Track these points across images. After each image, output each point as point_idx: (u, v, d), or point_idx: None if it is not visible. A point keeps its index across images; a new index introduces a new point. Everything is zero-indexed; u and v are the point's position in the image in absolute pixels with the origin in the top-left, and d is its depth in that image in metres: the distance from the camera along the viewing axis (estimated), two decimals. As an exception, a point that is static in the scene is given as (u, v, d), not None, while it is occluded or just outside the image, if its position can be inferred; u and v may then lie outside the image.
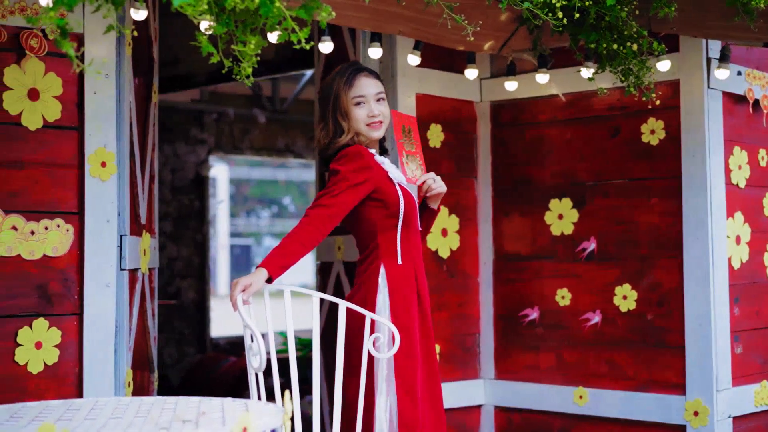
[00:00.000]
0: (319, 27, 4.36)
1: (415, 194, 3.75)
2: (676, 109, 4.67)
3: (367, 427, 3.53)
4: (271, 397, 3.96)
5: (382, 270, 3.57)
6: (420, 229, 3.74)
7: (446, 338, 5.11)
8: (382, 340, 3.46)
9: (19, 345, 3.55)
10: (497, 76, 5.24)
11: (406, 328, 3.56)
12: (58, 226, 3.65)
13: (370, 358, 3.48)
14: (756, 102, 4.82)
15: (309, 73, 8.90)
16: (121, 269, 3.79)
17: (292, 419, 3.39)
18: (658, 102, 4.46)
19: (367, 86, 3.64)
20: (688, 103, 4.62)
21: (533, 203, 5.18)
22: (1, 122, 3.56)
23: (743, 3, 3.73)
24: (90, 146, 3.71)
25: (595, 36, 4.00)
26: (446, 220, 5.13)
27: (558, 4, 3.66)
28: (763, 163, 4.90)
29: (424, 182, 3.70)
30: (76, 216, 3.70)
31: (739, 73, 4.73)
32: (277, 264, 3.36)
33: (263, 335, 3.32)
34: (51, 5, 2.45)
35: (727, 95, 4.70)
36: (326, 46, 4.47)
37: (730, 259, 4.67)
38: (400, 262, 3.60)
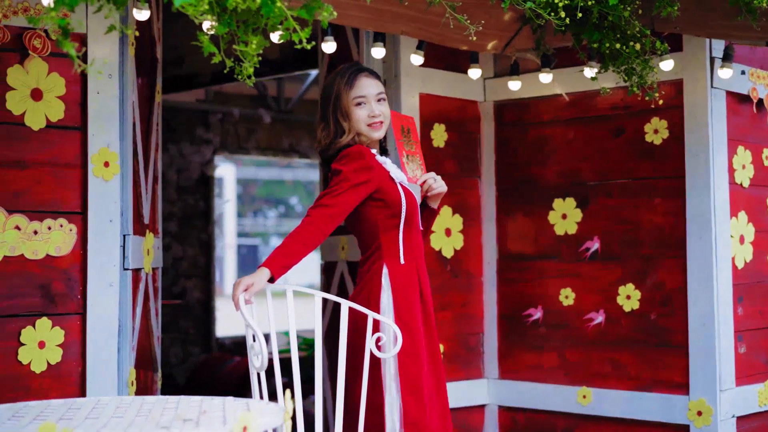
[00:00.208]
0: (323, 27, 4.38)
1: (416, 194, 3.75)
2: (680, 109, 4.67)
3: (372, 427, 3.53)
4: (276, 397, 3.96)
5: (385, 270, 3.58)
6: (420, 228, 3.74)
7: (450, 338, 5.11)
8: (385, 340, 3.46)
9: (23, 344, 3.56)
10: (501, 76, 5.24)
11: (410, 328, 3.56)
12: (61, 225, 3.66)
13: (378, 358, 3.49)
14: (760, 101, 4.81)
15: (314, 73, 8.91)
16: (124, 269, 3.80)
17: (294, 418, 3.39)
18: (661, 101, 4.45)
19: (368, 87, 3.65)
20: (692, 102, 4.62)
21: (537, 203, 5.18)
22: (5, 122, 3.57)
23: (746, 2, 3.73)
24: (93, 146, 3.71)
25: (598, 35, 4.00)
26: (450, 220, 5.13)
27: (560, 4, 3.66)
28: (767, 163, 4.89)
29: (424, 182, 3.70)
30: (79, 216, 3.70)
31: (743, 73, 4.73)
32: (279, 264, 3.37)
33: (266, 335, 3.33)
34: (52, 5, 2.46)
35: (730, 94, 4.70)
36: (329, 46, 4.47)
37: (733, 259, 4.67)
38: (402, 261, 3.60)
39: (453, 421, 4.14)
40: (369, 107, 3.64)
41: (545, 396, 5.08)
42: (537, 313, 5.16)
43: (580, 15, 3.75)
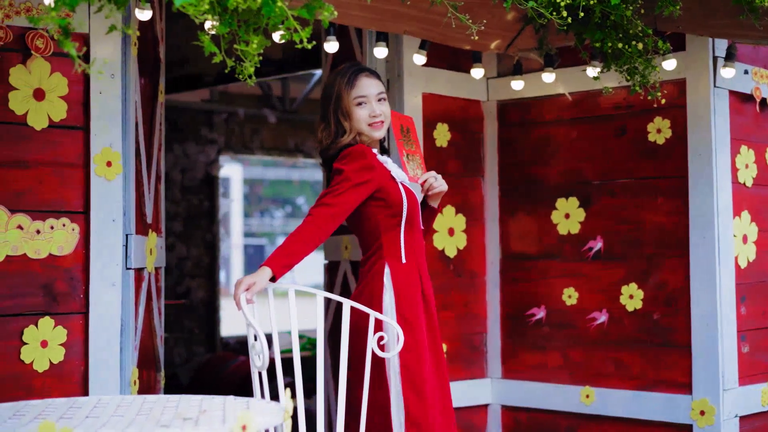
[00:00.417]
0: (329, 26, 4.38)
1: (417, 193, 3.76)
2: (683, 108, 4.66)
3: (379, 427, 3.54)
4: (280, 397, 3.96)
5: (387, 269, 3.58)
6: (421, 227, 3.75)
7: (453, 337, 5.12)
8: (387, 339, 3.46)
9: (25, 344, 3.56)
10: (504, 76, 5.24)
11: (413, 327, 3.56)
12: (64, 225, 3.67)
13: (382, 358, 3.49)
14: (763, 100, 4.81)
15: (318, 72, 8.91)
16: (127, 268, 3.80)
17: (295, 418, 3.40)
18: (663, 101, 4.45)
19: (369, 86, 3.65)
20: (695, 102, 4.61)
21: (540, 202, 5.18)
22: (7, 122, 3.57)
23: (748, 1, 3.72)
24: (95, 146, 3.72)
25: (600, 35, 4.00)
26: (453, 220, 5.13)
27: (562, 3, 3.66)
28: (770, 162, 4.89)
29: (425, 181, 3.71)
30: (82, 215, 3.71)
31: (746, 72, 4.72)
32: (281, 263, 3.37)
33: (268, 335, 3.33)
34: (52, 5, 2.47)
35: (733, 94, 4.69)
36: (331, 46, 4.47)
37: (736, 259, 4.67)
38: (404, 261, 3.61)
39: (456, 420, 4.15)
40: (370, 107, 3.64)
41: (548, 396, 5.08)
42: (540, 313, 5.16)
43: (582, 14, 3.75)
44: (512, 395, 5.21)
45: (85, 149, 3.72)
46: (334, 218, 3.49)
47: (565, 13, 3.66)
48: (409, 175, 3.66)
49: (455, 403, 4.83)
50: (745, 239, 4.72)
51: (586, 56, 4.28)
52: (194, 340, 9.95)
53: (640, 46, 4.02)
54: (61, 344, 3.63)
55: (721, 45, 4.58)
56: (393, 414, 3.53)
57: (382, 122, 3.66)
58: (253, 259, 21.79)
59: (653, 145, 4.78)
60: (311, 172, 19.36)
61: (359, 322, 3.51)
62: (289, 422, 2.53)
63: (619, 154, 4.90)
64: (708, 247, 4.56)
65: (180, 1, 2.55)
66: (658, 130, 4.76)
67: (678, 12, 3.82)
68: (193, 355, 9.85)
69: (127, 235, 3.80)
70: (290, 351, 3.52)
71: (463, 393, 5.09)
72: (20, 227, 3.57)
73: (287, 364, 3.62)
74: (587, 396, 4.93)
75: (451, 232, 5.12)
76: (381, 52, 4.63)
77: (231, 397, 2.79)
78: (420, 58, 4.68)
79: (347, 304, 3.45)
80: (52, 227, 3.64)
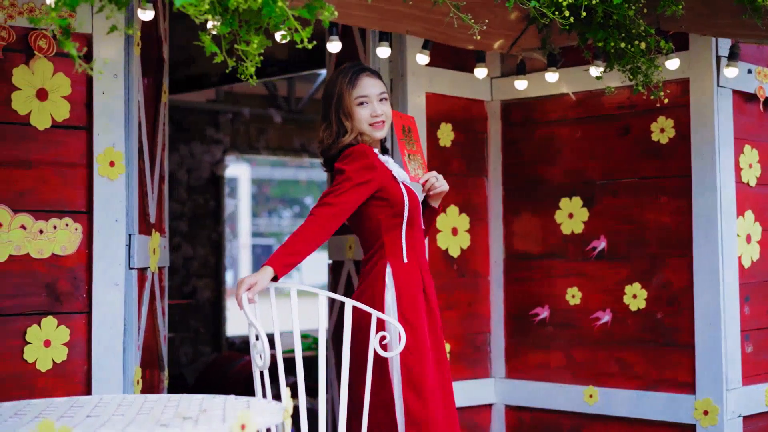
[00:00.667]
0: (331, 26, 4.38)
1: (418, 193, 3.76)
2: (686, 108, 4.66)
3: (384, 426, 3.54)
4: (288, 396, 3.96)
5: (389, 269, 3.59)
6: (422, 227, 3.75)
7: (457, 337, 5.12)
8: (389, 339, 3.46)
9: (28, 343, 3.58)
10: (507, 75, 5.24)
11: (414, 326, 3.57)
12: (67, 225, 3.68)
13: (384, 358, 3.49)
14: (767, 100, 4.80)
15: (323, 72, 8.92)
16: (130, 268, 3.81)
17: (298, 417, 3.41)
18: (666, 100, 4.45)
19: (370, 86, 3.66)
20: (698, 101, 4.61)
21: (544, 202, 5.18)
22: (10, 122, 3.59)
23: (750, 1, 3.72)
24: (98, 146, 3.73)
25: (603, 34, 4.00)
26: (457, 219, 5.13)
27: (565, 3, 3.66)
28: (774, 162, 4.89)
29: (426, 180, 3.71)
30: (85, 215, 3.72)
31: (750, 71, 4.72)
32: (283, 263, 3.38)
33: (270, 334, 3.34)
34: (53, 6, 2.48)
35: (737, 93, 4.69)
36: (334, 46, 4.48)
37: (740, 258, 4.66)
38: (405, 260, 3.61)
39: (460, 420, 4.15)
40: (371, 107, 3.65)
41: (552, 395, 5.08)
42: (544, 313, 5.16)
43: (584, 14, 3.75)
44: (516, 395, 5.20)
45: (88, 149, 3.73)
46: (336, 218, 3.49)
47: (567, 13, 3.66)
48: (411, 174, 3.67)
49: (459, 403, 4.84)
50: (748, 239, 4.71)
51: (589, 56, 4.28)
52: (200, 340, 9.96)
53: (643, 45, 4.01)
54: (64, 344, 3.65)
55: (725, 44, 4.57)
56: (397, 412, 3.54)
57: (384, 122, 3.67)
58: (261, 259, 21.77)
59: (657, 145, 4.78)
60: (319, 172, 19.34)
61: (361, 321, 3.51)
62: (289, 421, 2.53)
63: (623, 154, 4.90)
64: (711, 246, 4.56)
65: (180, 1, 2.56)
66: (662, 130, 4.76)
67: (680, 11, 3.82)
68: (199, 354, 9.87)
69: (130, 235, 3.81)
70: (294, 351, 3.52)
71: (467, 393, 5.09)
72: (23, 227, 3.58)
73: (292, 363, 3.63)
74: (591, 396, 4.93)
75: (454, 231, 5.13)
76: (384, 51, 4.63)
77: (232, 397, 2.80)
78: (423, 58, 4.68)
79: (349, 303, 3.46)
80: (55, 227, 3.65)
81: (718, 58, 4.57)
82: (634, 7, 3.87)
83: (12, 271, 3.56)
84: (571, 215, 5.07)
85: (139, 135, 3.96)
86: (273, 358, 3.36)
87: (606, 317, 4.93)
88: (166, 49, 4.53)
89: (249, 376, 8.23)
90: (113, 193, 3.75)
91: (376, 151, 3.67)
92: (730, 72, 4.53)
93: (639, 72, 4.13)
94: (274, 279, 3.37)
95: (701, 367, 4.57)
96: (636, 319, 4.83)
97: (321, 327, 3.50)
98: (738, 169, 4.68)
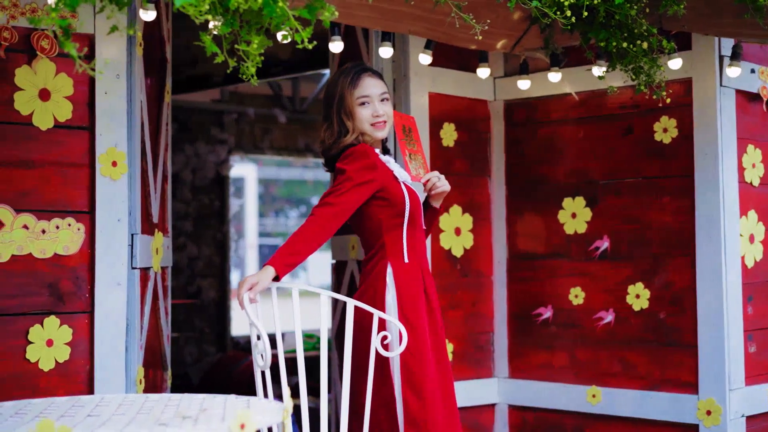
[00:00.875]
0: (333, 26, 4.39)
1: (419, 193, 3.76)
2: (689, 108, 4.65)
3: (386, 423, 3.55)
4: (293, 396, 3.96)
5: (389, 269, 3.59)
6: (424, 227, 3.75)
7: (460, 337, 5.12)
8: (391, 338, 3.47)
9: (31, 343, 3.59)
10: (510, 75, 5.24)
11: (414, 326, 3.57)
12: (69, 225, 3.69)
13: (385, 357, 3.50)
14: (770, 100, 4.80)
15: (328, 72, 8.92)
16: (132, 267, 3.82)
17: (299, 416, 3.41)
18: (668, 100, 4.44)
19: (372, 86, 3.66)
20: (701, 101, 4.60)
21: (547, 202, 5.17)
22: (13, 122, 3.60)
23: (752, 0, 3.72)
24: (101, 146, 3.74)
25: (605, 34, 3.99)
26: (460, 219, 5.13)
27: (566, 3, 3.66)
28: (777, 161, 4.88)
29: (428, 180, 3.71)
30: (87, 215, 3.73)
31: (753, 71, 4.71)
32: (284, 262, 3.39)
33: (273, 334, 3.34)
34: (53, 6, 2.48)
35: (740, 93, 4.68)
36: (336, 46, 4.48)
37: (743, 258, 4.65)
38: (406, 260, 3.61)
39: (463, 420, 4.14)
40: (373, 107, 3.65)
41: (555, 395, 5.08)
42: (547, 313, 5.16)
43: (586, 14, 3.75)
44: (519, 395, 5.20)
45: (91, 149, 3.74)
46: (337, 217, 3.50)
47: (569, 13, 3.66)
48: (412, 174, 3.67)
49: (462, 403, 4.84)
50: (752, 239, 4.71)
51: (592, 56, 4.28)
52: (205, 340, 9.97)
53: (645, 45, 4.01)
54: (66, 343, 3.66)
55: (728, 44, 4.57)
56: (398, 412, 3.54)
57: (385, 122, 3.67)
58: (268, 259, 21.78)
59: (659, 145, 4.77)
60: (325, 172, 19.34)
61: (363, 321, 3.52)
62: (289, 421, 2.54)
63: (626, 154, 4.90)
64: (714, 246, 4.55)
65: (180, 1, 2.57)
66: (665, 130, 4.75)
67: (682, 11, 3.81)
68: (204, 354, 9.88)
69: (132, 235, 3.81)
70: (305, 350, 3.53)
71: (470, 393, 5.09)
72: (26, 227, 3.59)
73: (296, 363, 3.63)
74: (594, 396, 4.92)
75: (457, 231, 5.13)
76: (386, 52, 4.63)
77: (233, 396, 2.80)
78: (426, 58, 4.68)
79: (351, 303, 3.46)
80: (57, 227, 3.66)
81: (721, 57, 4.56)
82: (636, 7, 3.86)
83: (14, 271, 3.57)
84: (574, 215, 5.07)
85: (141, 135, 3.97)
86: (275, 357, 3.37)
87: (609, 317, 4.93)
88: (169, 50, 4.53)
89: (253, 375, 8.27)
90: (116, 193, 3.75)
91: (377, 151, 3.68)
92: (733, 72, 4.52)
93: (641, 72, 4.13)
94: (276, 279, 3.38)
95: (704, 367, 4.57)
96: (639, 319, 4.82)
97: (323, 326, 3.50)
98: (741, 169, 4.67)
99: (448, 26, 3.81)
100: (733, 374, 4.54)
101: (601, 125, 4.99)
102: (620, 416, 4.86)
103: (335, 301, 5.40)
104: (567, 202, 5.09)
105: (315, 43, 2.81)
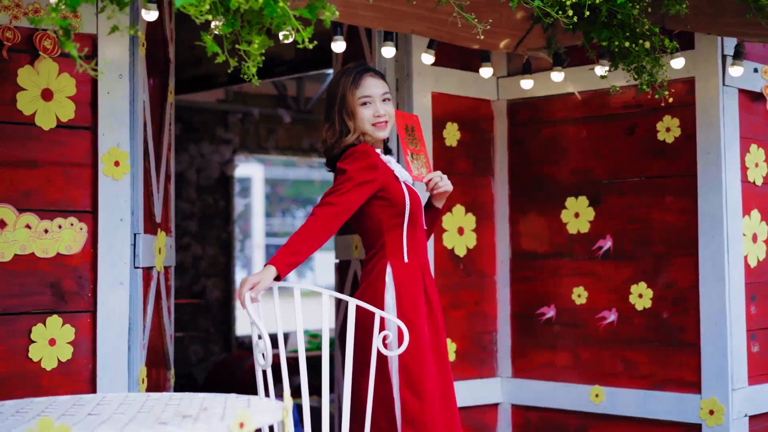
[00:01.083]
0: (335, 26, 4.39)
1: (420, 192, 3.76)
2: (692, 107, 4.65)
3: (382, 420, 3.55)
4: (295, 395, 3.98)
5: (389, 269, 3.60)
6: (425, 227, 3.75)
7: (463, 337, 5.12)
8: (391, 338, 3.47)
9: (33, 342, 3.59)
10: (513, 75, 5.24)
11: (413, 325, 3.57)
12: (72, 224, 3.70)
13: (385, 356, 3.50)
14: (773, 99, 4.80)
15: (332, 72, 8.93)
16: (135, 267, 3.83)
17: (301, 415, 3.41)
18: (671, 99, 4.44)
19: (373, 86, 3.67)
20: (704, 100, 4.60)
21: (550, 201, 5.17)
22: (15, 122, 3.60)
23: (754, 0, 3.71)
24: (103, 146, 3.75)
25: (607, 34, 3.99)
26: (463, 219, 5.14)
27: (568, 2, 3.66)
28: (780, 161, 4.87)
29: (430, 180, 3.72)
30: (90, 215, 3.74)
31: (756, 70, 4.71)
32: (285, 262, 3.39)
33: (275, 334, 3.34)
34: (54, 6, 2.49)
35: (743, 92, 4.68)
36: (338, 46, 4.48)
37: (746, 258, 4.65)
38: (406, 260, 3.62)
39: (466, 420, 4.16)
40: (374, 107, 3.66)
41: (558, 395, 5.08)
42: (550, 312, 5.16)
43: (588, 13, 3.75)
44: (522, 394, 5.21)
45: (93, 149, 3.74)
46: (338, 217, 3.50)
47: (571, 12, 3.66)
48: (414, 174, 3.67)
49: (465, 403, 4.85)
50: (755, 238, 4.70)
51: (594, 55, 4.28)
52: (210, 340, 9.99)
53: (648, 44, 4.01)
54: (69, 342, 3.66)
55: (730, 43, 4.56)
56: (396, 410, 3.55)
57: (386, 122, 3.68)
58: (276, 260, 21.78)
59: (662, 144, 4.77)
60: (327, 172, 19.34)
61: (365, 321, 3.53)
62: (289, 420, 2.54)
63: (629, 153, 4.89)
64: (717, 246, 4.55)
65: (181, 1, 2.57)
66: (668, 129, 4.75)
67: (684, 11, 3.81)
68: (209, 354, 9.89)
69: (135, 234, 3.82)
70: (309, 350, 3.53)
71: (473, 392, 5.09)
72: (28, 226, 3.60)
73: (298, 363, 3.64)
74: (597, 395, 4.92)
75: (460, 231, 5.13)
76: (388, 51, 4.63)
77: (233, 395, 2.81)
78: (428, 58, 4.68)
79: (352, 302, 3.47)
80: (60, 226, 3.67)
81: (724, 57, 4.56)
82: (638, 6, 3.86)
83: (17, 271, 3.58)
84: (577, 215, 5.07)
85: (144, 135, 3.98)
86: (276, 357, 3.37)
87: (612, 317, 4.93)
88: (172, 50, 4.54)
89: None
90: (118, 193, 3.76)
91: (378, 151, 3.68)
92: (736, 71, 4.52)
93: (644, 71, 4.13)
94: (277, 278, 3.39)
95: (707, 366, 4.57)
96: (642, 318, 4.82)
97: (324, 326, 3.51)
98: (744, 169, 4.67)
99: (451, 26, 3.81)
100: (736, 374, 4.54)
101: (604, 125, 4.99)
102: (623, 416, 4.86)
103: (338, 301, 5.41)
104: (570, 201, 5.09)
105: (315, 42, 2.81)
